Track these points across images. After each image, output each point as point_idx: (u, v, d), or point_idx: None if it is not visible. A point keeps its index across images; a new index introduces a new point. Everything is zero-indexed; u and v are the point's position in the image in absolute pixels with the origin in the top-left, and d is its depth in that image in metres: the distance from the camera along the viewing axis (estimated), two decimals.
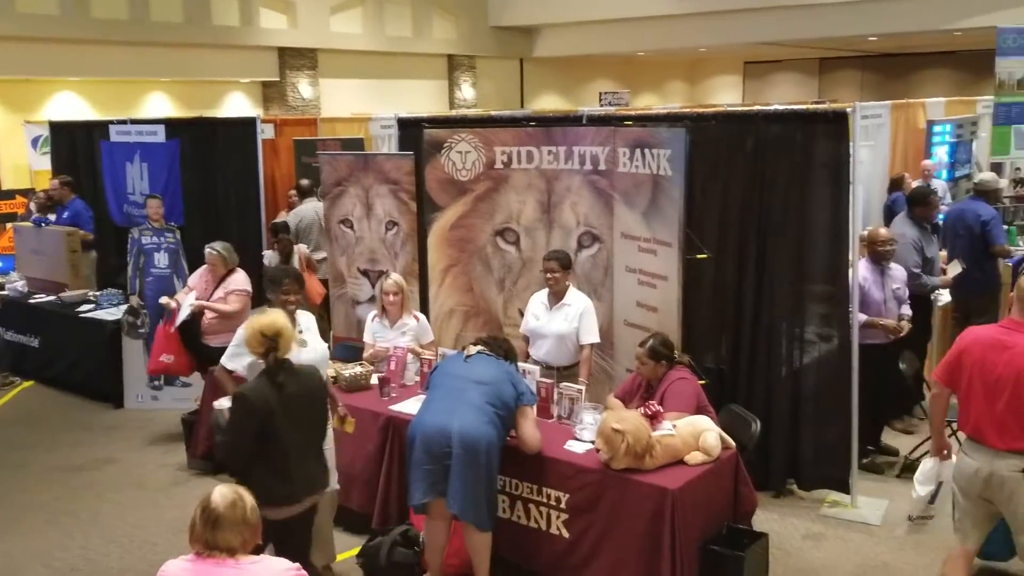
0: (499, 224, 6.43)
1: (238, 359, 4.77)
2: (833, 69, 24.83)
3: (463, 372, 4.62)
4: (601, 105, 19.75)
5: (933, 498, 4.56)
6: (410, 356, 5.77)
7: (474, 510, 4.38)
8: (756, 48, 20.59)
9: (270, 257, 8.07)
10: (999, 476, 3.89)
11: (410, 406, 5.14)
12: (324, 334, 7.88)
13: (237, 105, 15.40)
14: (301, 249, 7.95)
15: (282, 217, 8.94)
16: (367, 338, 6.02)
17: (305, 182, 9.00)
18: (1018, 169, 11.51)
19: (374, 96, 16.26)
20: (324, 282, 7.84)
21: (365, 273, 7.07)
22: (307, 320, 5.01)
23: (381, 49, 16.34)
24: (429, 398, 4.64)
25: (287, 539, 3.83)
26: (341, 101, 15.58)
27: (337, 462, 4.76)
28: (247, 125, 8.73)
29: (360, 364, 5.76)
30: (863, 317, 5.87)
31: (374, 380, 5.60)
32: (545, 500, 4.63)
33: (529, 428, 4.54)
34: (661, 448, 4.40)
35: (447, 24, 17.70)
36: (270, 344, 3.95)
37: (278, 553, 3.27)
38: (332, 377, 5.73)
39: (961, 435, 4.21)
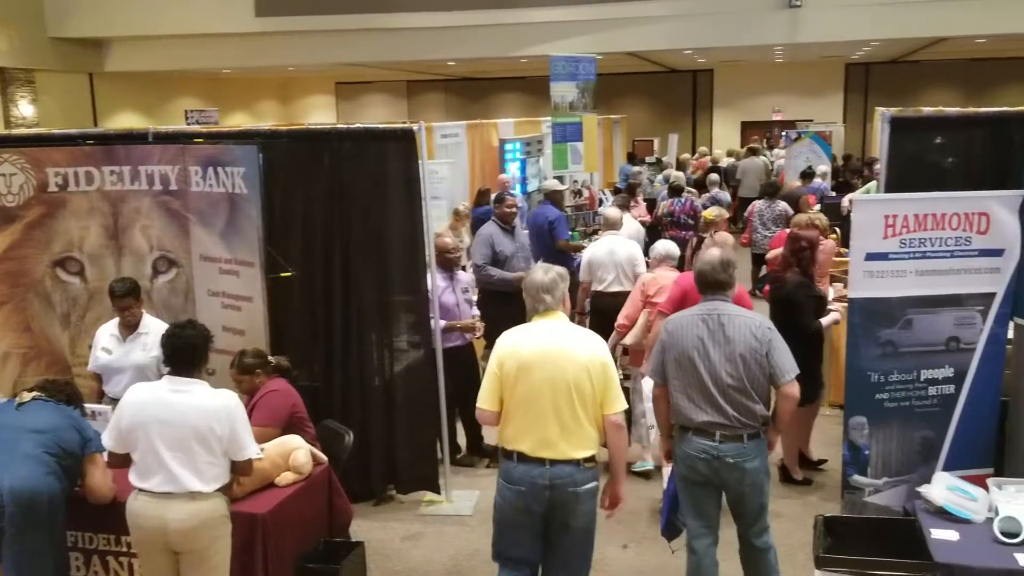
0: (58, 253, 5.81)
1: None
2: (421, 92, 26.23)
3: (15, 422, 4.08)
4: (188, 124, 18.82)
5: None
6: None
7: (38, 574, 3.89)
8: (345, 69, 21.03)
9: None
10: None
11: None
12: None
13: None
14: None
15: None
16: None
17: None
18: (575, 181, 13.03)
19: None
20: None
21: None
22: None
23: None
24: None
25: None
26: None
27: None
28: None
29: None
30: (442, 322, 6.22)
31: None
32: (125, 549, 4.27)
33: (98, 476, 4.13)
34: None
35: None
36: None
37: None
38: None
39: None
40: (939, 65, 21.97)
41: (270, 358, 5.06)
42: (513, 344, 3.83)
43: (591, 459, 3.81)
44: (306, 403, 5.03)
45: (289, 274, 5.65)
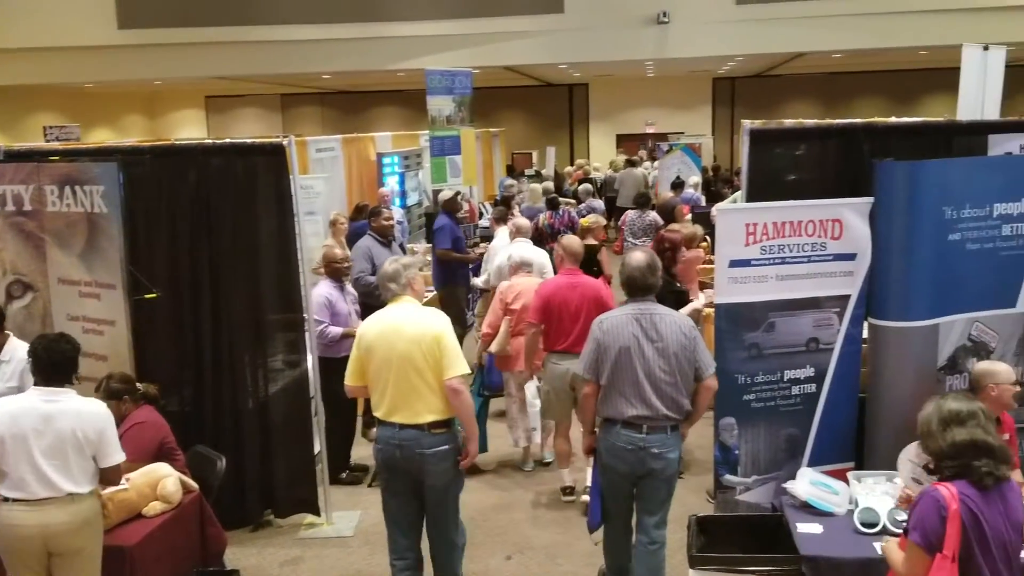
0: None
1: None
2: (295, 105, 25.76)
3: None
4: (47, 140, 17.92)
5: None
6: None
7: None
8: (215, 82, 20.43)
9: None
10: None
11: None
12: None
13: None
14: None
15: None
16: None
17: None
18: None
19: None
20: None
21: None
22: None
23: None
24: None
25: None
26: None
27: None
28: None
29: None
30: (338, 331, 6.14)
31: None
32: None
33: None
34: (114, 506, 4.10)
35: None
36: None
37: None
38: None
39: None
40: (799, 79, 23.15)
41: (138, 385, 4.85)
42: (364, 329, 4.39)
43: (438, 424, 4.25)
44: (176, 429, 4.86)
45: (154, 295, 5.43)
